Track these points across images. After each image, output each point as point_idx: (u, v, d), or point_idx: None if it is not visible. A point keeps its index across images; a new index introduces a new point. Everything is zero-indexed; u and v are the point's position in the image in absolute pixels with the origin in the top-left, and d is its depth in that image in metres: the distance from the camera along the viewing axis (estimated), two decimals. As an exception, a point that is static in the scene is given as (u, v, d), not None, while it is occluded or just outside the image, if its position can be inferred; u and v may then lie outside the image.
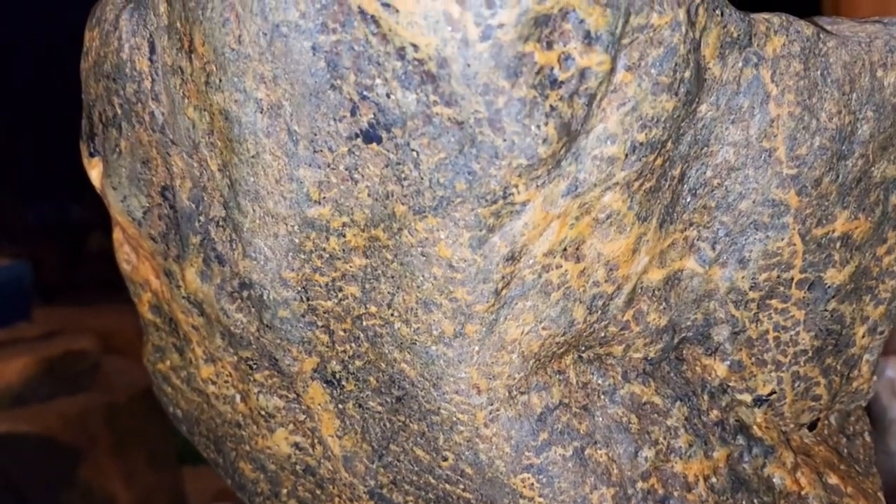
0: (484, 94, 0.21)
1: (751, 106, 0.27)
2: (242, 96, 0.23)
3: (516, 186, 0.23)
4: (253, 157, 0.24)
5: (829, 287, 0.31)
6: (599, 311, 0.28)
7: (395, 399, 0.29)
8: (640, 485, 0.29)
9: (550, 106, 0.22)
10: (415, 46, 0.21)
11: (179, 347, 0.34)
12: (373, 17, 0.21)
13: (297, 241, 0.26)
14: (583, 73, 0.22)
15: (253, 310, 0.29)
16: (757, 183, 0.28)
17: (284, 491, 0.35)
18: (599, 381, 0.29)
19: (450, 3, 0.20)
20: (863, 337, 0.33)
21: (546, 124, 0.22)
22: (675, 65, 0.24)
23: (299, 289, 0.28)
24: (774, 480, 0.32)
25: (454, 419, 0.28)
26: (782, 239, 0.29)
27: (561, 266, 0.26)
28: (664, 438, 0.30)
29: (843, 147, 0.29)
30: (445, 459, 0.29)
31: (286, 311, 0.28)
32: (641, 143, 0.25)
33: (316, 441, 0.33)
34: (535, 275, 0.26)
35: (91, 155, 0.30)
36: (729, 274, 0.30)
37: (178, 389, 0.35)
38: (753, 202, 0.29)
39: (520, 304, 0.26)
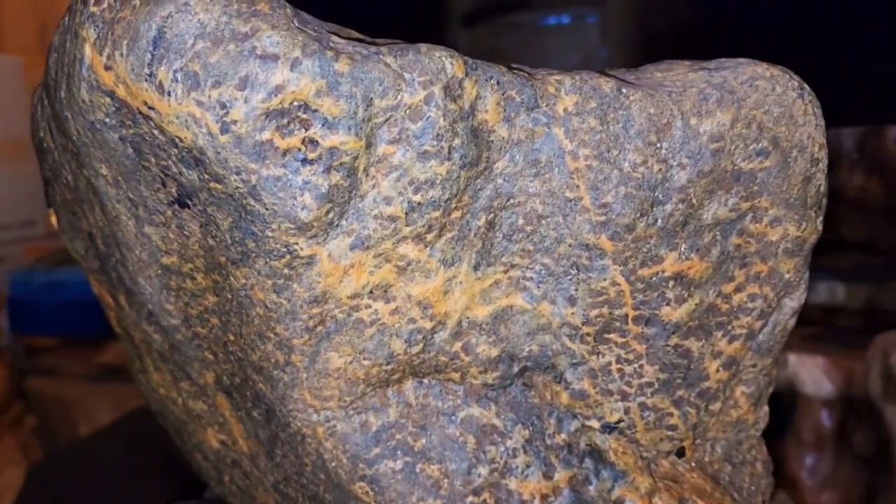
0: (238, 174, 0.26)
1: (549, 161, 0.29)
2: (94, 173, 0.29)
3: (297, 244, 0.27)
4: (115, 217, 0.31)
5: (666, 323, 0.32)
6: (421, 344, 0.31)
7: (265, 412, 0.34)
8: (471, 499, 0.32)
9: (303, 180, 0.26)
10: (179, 138, 0.25)
11: (139, 355, 0.41)
12: (147, 116, 0.26)
13: (164, 281, 0.32)
14: (331, 152, 0.26)
15: (162, 332, 0.35)
16: (568, 229, 0.30)
17: (227, 478, 0.42)
18: (439, 404, 0.33)
19: (191, 107, 0.24)
20: (717, 371, 0.33)
21: (302, 195, 0.26)
22: (438, 135, 0.27)
23: (182, 318, 0.34)
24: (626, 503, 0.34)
25: (302, 433, 0.32)
26: (604, 279, 0.31)
27: (370, 306, 0.30)
28: (501, 458, 0.33)
29: (657, 194, 0.30)
30: (306, 466, 0.34)
31: (179, 335, 0.34)
32: (420, 203, 0.28)
33: (233, 440, 0.38)
34: (345, 314, 0.30)
35: (48, 205, 0.37)
36: (559, 310, 0.32)
37: (146, 388, 0.43)
38: (570, 246, 0.31)
39: (337, 339, 0.30)
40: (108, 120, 0.27)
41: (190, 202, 0.28)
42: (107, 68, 0.25)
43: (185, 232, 0.29)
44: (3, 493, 1.09)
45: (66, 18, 0.27)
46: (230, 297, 0.31)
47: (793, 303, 0.33)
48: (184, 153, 0.26)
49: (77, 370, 1.23)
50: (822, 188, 0.32)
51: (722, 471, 0.36)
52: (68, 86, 0.27)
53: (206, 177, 0.26)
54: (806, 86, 0.31)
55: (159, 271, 0.32)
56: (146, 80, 0.25)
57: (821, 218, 0.32)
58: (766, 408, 0.36)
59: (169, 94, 0.25)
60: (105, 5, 0.26)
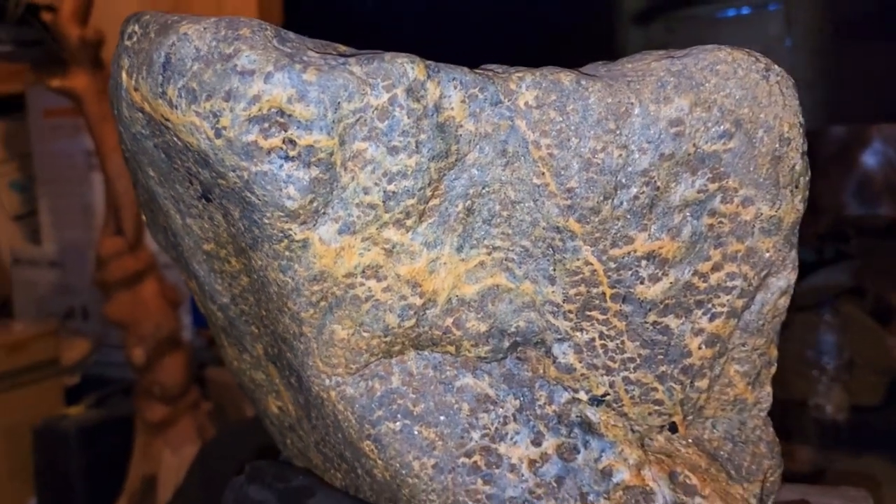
0: (234, 171, 0.31)
1: (515, 151, 0.32)
2: (145, 175, 0.36)
3: (291, 229, 0.32)
4: (165, 212, 0.37)
5: (643, 301, 0.34)
6: (414, 319, 0.35)
7: (297, 378, 0.39)
8: (462, 460, 0.36)
9: (287, 174, 0.31)
10: (189, 143, 0.31)
11: (217, 334, 0.48)
12: (166, 127, 0.32)
13: (209, 265, 0.38)
14: (308, 150, 0.30)
15: (221, 310, 0.42)
16: (540, 213, 0.33)
17: (288, 442, 0.47)
18: (437, 374, 0.36)
19: (192, 117, 0.30)
20: (699, 348, 0.34)
21: (287, 187, 0.31)
22: (404, 131, 0.31)
23: (230, 297, 0.40)
24: (614, 473, 0.35)
25: (320, 396, 0.37)
26: (578, 259, 0.33)
27: (364, 284, 0.34)
28: (492, 425, 0.36)
29: (620, 178, 0.32)
30: (329, 426, 0.39)
31: (231, 312, 0.41)
32: (395, 192, 0.32)
33: (285, 406, 0.44)
34: (343, 291, 0.34)
35: (138, 205, 0.45)
36: (540, 289, 0.34)
37: (227, 362, 0.50)
38: (544, 228, 0.33)
39: (339, 313, 0.35)
40: (143, 131, 0.33)
41: (210, 196, 0.34)
42: (135, 90, 0.32)
43: (215, 222, 0.35)
44: (182, 469, 1.24)
45: (115, 51, 0.34)
46: (255, 277, 0.36)
47: (780, 282, 0.34)
48: (196, 155, 0.32)
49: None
50: (797, 167, 0.32)
51: (721, 448, 0.37)
52: (117, 105, 0.34)
53: (214, 174, 0.32)
54: (775, 67, 0.32)
55: (204, 257, 0.38)
56: (160, 97, 0.31)
57: (799, 197, 0.32)
58: (769, 388, 0.36)
59: (176, 108, 0.30)
60: (134, 39, 0.32)
